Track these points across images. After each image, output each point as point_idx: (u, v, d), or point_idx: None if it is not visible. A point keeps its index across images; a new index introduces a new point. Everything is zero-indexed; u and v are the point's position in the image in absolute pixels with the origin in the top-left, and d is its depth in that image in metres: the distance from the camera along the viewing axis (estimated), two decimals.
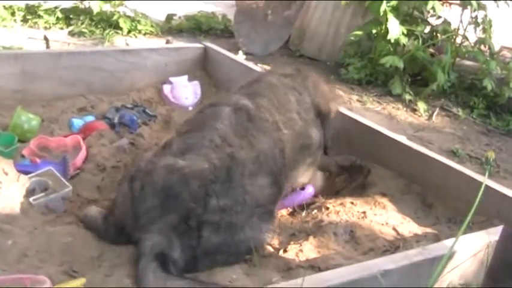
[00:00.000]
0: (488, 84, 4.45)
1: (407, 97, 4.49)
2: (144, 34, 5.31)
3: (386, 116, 4.22)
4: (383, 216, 2.42)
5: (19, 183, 2.25)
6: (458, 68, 4.81)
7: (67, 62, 3.14)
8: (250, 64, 3.53)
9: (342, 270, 1.69)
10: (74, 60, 3.16)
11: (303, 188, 2.51)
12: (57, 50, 3.34)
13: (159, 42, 5.16)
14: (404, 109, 4.41)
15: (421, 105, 4.38)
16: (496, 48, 4.81)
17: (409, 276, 1.77)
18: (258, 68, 3.52)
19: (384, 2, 4.53)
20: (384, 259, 1.78)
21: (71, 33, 5.09)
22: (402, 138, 2.78)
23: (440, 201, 2.53)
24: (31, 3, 5.31)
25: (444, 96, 4.68)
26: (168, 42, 5.05)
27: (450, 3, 5.03)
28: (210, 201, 2.00)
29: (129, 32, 5.24)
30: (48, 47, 4.41)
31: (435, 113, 4.37)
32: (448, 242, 1.91)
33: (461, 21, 4.74)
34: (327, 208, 2.41)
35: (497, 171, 3.58)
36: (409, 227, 2.36)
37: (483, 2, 4.63)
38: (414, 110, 4.40)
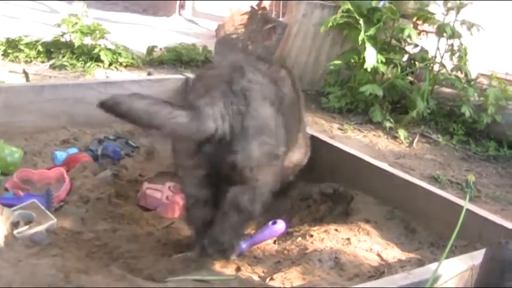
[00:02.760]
0: (467, 111, 4.52)
1: (388, 124, 4.54)
2: (125, 66, 5.35)
3: (367, 144, 4.26)
4: (367, 243, 2.43)
5: (3, 216, 2.23)
6: (437, 95, 4.89)
7: (49, 95, 3.14)
8: None
9: None
10: (57, 93, 3.16)
11: (274, 223, 2.51)
12: (39, 83, 3.35)
13: (140, 74, 5.19)
14: (385, 136, 4.46)
15: (402, 133, 4.43)
16: (473, 75, 4.88)
17: None
18: None
19: (362, 31, 4.59)
20: (371, 284, 1.79)
21: (52, 67, 5.11)
22: (384, 165, 2.80)
23: (423, 226, 2.54)
24: (12, 37, 5.33)
25: (424, 123, 4.74)
26: (149, 74, 5.08)
27: (426, 32, 5.12)
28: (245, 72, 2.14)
29: (110, 64, 5.27)
30: (27, 80, 4.41)
31: (415, 140, 4.43)
32: (432, 266, 1.92)
33: (438, 49, 4.81)
34: (311, 235, 2.42)
35: (478, 195, 3.63)
36: (393, 253, 2.38)
37: (458, 30, 4.71)
38: (395, 137, 4.45)
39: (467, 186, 3.26)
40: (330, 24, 4.69)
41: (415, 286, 1.82)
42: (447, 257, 2.21)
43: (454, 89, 4.85)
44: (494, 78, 4.76)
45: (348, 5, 4.68)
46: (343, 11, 4.69)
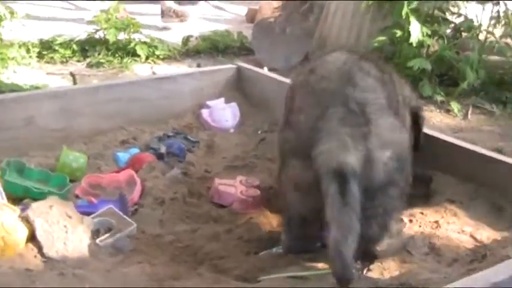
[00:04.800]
0: None
1: (439, 98, 4.42)
2: (163, 59, 5.26)
3: None
4: (456, 224, 2.35)
5: (84, 225, 2.18)
6: (485, 64, 4.74)
7: (104, 96, 3.08)
8: (287, 80, 3.45)
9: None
10: (111, 93, 3.10)
11: None
12: (93, 84, 3.30)
13: (179, 66, 5.12)
14: (438, 110, 4.34)
15: (455, 105, 4.31)
16: None
17: None
18: None
19: (405, 4, 4.47)
20: (490, 271, 1.70)
21: (89, 65, 5.04)
22: (461, 142, 2.70)
23: (510, 204, 2.45)
24: (45, 38, 5.27)
25: (475, 93, 4.61)
26: (198, 65, 4.99)
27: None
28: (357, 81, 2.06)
29: (147, 58, 5.19)
30: (75, 83, 4.36)
31: (469, 112, 4.31)
32: None
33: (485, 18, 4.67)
34: (400, 220, 2.34)
35: None
36: (486, 233, 2.29)
37: None
38: (448, 111, 4.33)
39: None
40: None
41: None
42: None
43: (503, 57, 4.71)
44: None
45: None
46: None
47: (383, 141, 1.97)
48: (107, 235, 2.21)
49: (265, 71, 3.85)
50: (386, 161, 1.96)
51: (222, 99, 3.41)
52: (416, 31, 4.45)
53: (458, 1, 4.47)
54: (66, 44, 5.25)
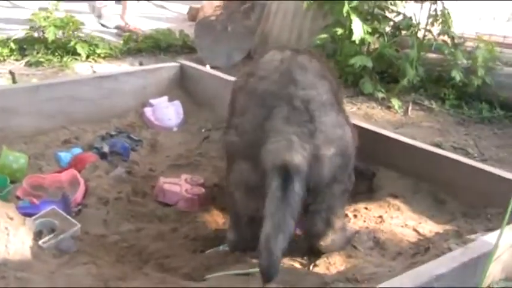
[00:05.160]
0: (457, 75, 4.48)
1: (380, 95, 4.50)
2: (104, 58, 5.18)
3: (363, 116, 4.21)
4: (400, 218, 2.39)
5: (26, 226, 2.13)
6: (424, 62, 4.83)
7: (45, 95, 3.02)
8: (230, 77, 3.45)
9: (396, 281, 1.63)
10: (52, 92, 3.04)
11: None
12: (34, 83, 3.22)
13: (121, 65, 5.06)
14: (379, 107, 4.41)
15: (395, 102, 4.39)
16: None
17: (458, 278, 1.73)
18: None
19: (346, 2, 4.53)
20: (433, 264, 1.74)
21: (28, 64, 4.93)
22: (403, 138, 2.75)
23: (452, 197, 2.51)
24: None
25: (414, 90, 4.70)
26: (141, 63, 4.94)
27: None
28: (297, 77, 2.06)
29: (87, 57, 5.11)
30: (14, 81, 4.25)
31: (410, 108, 4.39)
32: (488, 238, 1.88)
33: (423, 16, 4.77)
34: (345, 215, 2.36)
35: (484, 159, 3.60)
36: (428, 226, 2.34)
37: None
38: (389, 107, 4.41)
39: None
40: None
41: (476, 260, 1.77)
42: (487, 229, 2.20)
43: (440, 54, 4.81)
44: (480, 40, 4.74)
45: None
46: None
47: (328, 138, 1.99)
48: (50, 236, 2.17)
49: (207, 68, 3.85)
50: (331, 157, 1.98)
51: (165, 98, 3.39)
52: (358, 29, 4.51)
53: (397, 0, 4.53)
54: (3, 43, 5.12)
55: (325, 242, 2.14)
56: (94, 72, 4.68)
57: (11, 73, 4.41)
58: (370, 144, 2.72)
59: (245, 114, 2.07)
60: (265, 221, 1.79)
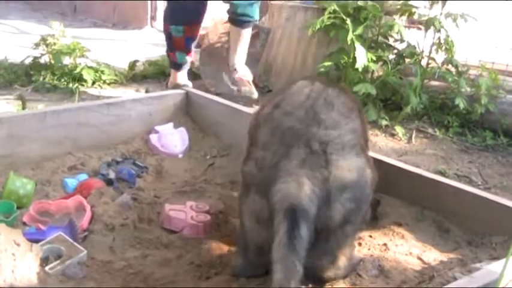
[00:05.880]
0: (461, 103, 4.52)
1: (384, 122, 4.52)
2: (109, 84, 5.23)
3: None
4: (404, 246, 2.40)
5: (32, 252, 2.14)
6: (427, 89, 4.88)
7: (52, 121, 3.05)
8: (235, 105, 3.48)
9: None
10: (59, 119, 3.07)
11: None
12: (41, 109, 3.23)
13: (126, 91, 5.10)
14: (383, 134, 4.43)
15: (399, 129, 4.41)
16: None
17: None
18: (243, 107, 3.47)
19: (350, 30, 4.57)
20: None
21: (34, 90, 4.97)
22: (407, 166, 2.77)
23: (456, 225, 2.52)
24: None
25: (418, 118, 4.74)
26: (147, 91, 4.98)
27: (414, 27, 5.11)
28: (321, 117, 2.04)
29: (93, 83, 5.16)
30: (24, 107, 4.29)
31: (413, 136, 4.41)
32: (493, 267, 1.89)
33: (428, 43, 4.81)
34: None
35: (488, 187, 3.61)
36: (433, 255, 2.35)
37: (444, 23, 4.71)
38: (393, 135, 4.43)
39: None
40: (318, 26, 4.65)
41: None
42: (492, 258, 2.21)
43: (443, 82, 4.85)
44: (483, 68, 4.77)
45: (334, 6, 4.64)
46: (329, 12, 4.65)
47: (342, 183, 1.96)
48: (56, 262, 2.18)
49: (213, 96, 3.88)
50: (344, 203, 1.97)
51: (171, 124, 3.42)
52: (361, 56, 4.55)
53: (401, 28, 4.57)
54: (10, 68, 5.17)
55: (328, 274, 2.15)
56: (102, 98, 4.71)
57: (21, 98, 4.45)
58: None
59: (266, 149, 2.05)
60: (275, 267, 1.79)
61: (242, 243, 2.24)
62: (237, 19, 4.74)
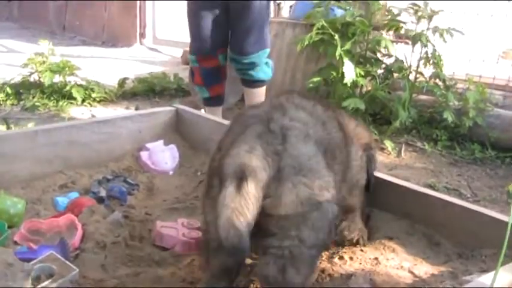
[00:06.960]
0: (449, 116, 4.56)
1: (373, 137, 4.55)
2: (99, 101, 5.24)
3: None
4: (395, 260, 2.41)
5: (24, 272, 2.14)
6: (415, 103, 4.91)
7: (43, 140, 3.05)
8: (224, 121, 3.49)
9: None
10: (50, 137, 3.07)
11: None
12: (32, 128, 3.24)
13: (116, 109, 5.11)
14: None
15: (388, 144, 4.44)
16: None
17: None
18: None
19: (339, 46, 4.61)
20: None
21: (24, 108, 4.98)
22: (397, 180, 2.78)
23: (446, 238, 2.54)
24: None
25: (407, 132, 4.77)
26: (137, 108, 4.99)
27: (402, 41, 5.16)
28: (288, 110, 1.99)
29: (83, 101, 5.16)
30: (8, 128, 4.29)
31: (403, 150, 4.44)
32: (483, 279, 1.90)
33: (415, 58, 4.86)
34: (341, 257, 2.39)
35: (477, 200, 3.64)
36: (424, 268, 2.36)
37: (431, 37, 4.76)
38: (382, 149, 4.45)
39: (510, 196, 3.31)
40: (306, 42, 4.69)
41: None
42: (482, 270, 2.23)
43: (431, 96, 4.89)
44: (470, 82, 4.82)
45: (322, 22, 4.68)
46: (318, 28, 4.69)
47: (297, 163, 1.86)
48: (48, 281, 2.17)
49: (203, 112, 3.89)
50: (297, 184, 1.85)
51: (161, 142, 3.42)
52: (350, 72, 4.58)
53: (388, 43, 4.61)
54: None
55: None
56: (93, 116, 4.72)
57: (5, 121, 4.44)
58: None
59: (228, 136, 2.02)
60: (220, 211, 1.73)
61: (206, 253, 2.13)
62: (250, 81, 4.62)
